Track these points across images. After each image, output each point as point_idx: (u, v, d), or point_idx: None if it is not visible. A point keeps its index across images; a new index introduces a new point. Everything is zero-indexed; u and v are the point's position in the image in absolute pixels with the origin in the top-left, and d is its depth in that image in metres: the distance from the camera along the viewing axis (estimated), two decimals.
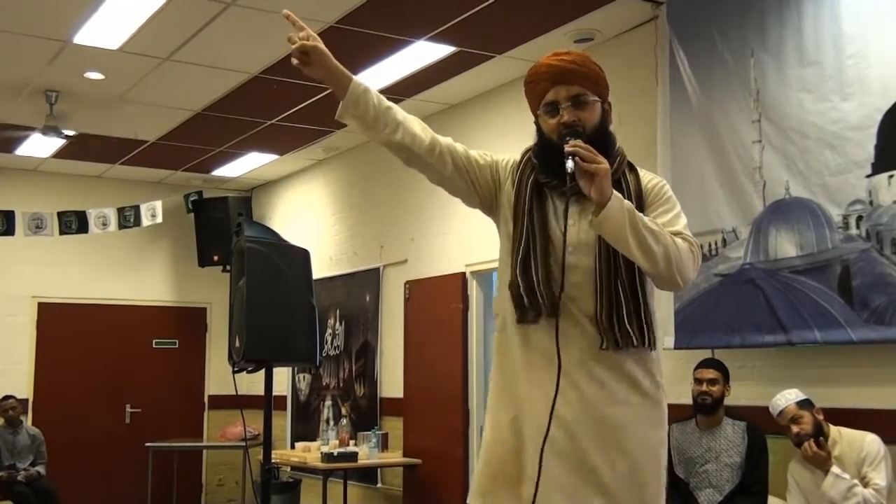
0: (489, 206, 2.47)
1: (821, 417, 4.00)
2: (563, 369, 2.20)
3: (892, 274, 3.86)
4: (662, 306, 4.80)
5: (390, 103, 2.35)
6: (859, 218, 4.01)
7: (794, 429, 3.98)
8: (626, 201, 2.19)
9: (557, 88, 2.30)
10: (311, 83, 6.25)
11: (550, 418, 2.18)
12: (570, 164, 2.15)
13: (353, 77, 2.32)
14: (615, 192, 2.16)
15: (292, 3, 5.12)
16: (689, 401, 4.51)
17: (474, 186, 2.43)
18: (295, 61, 2.31)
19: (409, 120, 2.36)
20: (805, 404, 4.02)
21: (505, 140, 5.90)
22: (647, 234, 2.16)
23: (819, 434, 3.96)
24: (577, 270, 2.29)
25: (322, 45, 2.29)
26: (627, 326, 2.24)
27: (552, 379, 2.20)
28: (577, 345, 2.25)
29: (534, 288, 2.28)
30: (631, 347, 2.25)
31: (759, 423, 4.32)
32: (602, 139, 2.27)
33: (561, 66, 2.31)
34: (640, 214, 2.19)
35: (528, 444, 2.28)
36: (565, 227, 2.27)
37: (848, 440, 3.95)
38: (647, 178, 2.39)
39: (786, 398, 4.06)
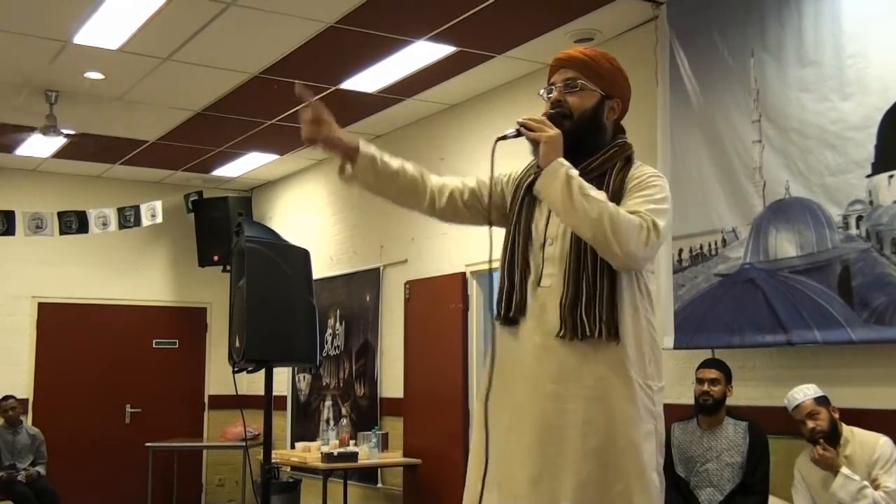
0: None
1: (836, 416, 4.00)
2: (532, 364, 2.29)
3: (892, 274, 3.86)
4: (662, 306, 4.80)
5: (397, 166, 2.43)
6: (859, 218, 4.01)
7: (810, 424, 3.95)
8: (571, 168, 2.21)
9: (559, 72, 2.42)
10: (312, 84, 6.25)
11: (486, 407, 2.28)
12: (510, 130, 2.30)
13: (360, 147, 2.40)
14: (561, 159, 2.22)
15: (292, 4, 5.14)
16: (689, 400, 4.51)
17: (488, 213, 2.48)
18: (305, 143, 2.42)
19: (414, 181, 2.45)
20: (822, 401, 4.00)
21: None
22: (582, 199, 2.17)
23: (834, 431, 3.95)
24: (554, 262, 2.33)
25: (330, 132, 2.38)
26: (584, 316, 2.23)
27: (519, 382, 2.30)
28: (549, 337, 2.27)
29: (514, 288, 2.34)
30: (591, 339, 2.23)
31: (761, 423, 4.32)
32: (589, 127, 2.34)
33: (569, 53, 2.44)
34: (582, 182, 2.20)
35: (490, 443, 2.30)
36: (548, 218, 2.36)
37: (860, 441, 3.93)
38: (639, 171, 2.37)
39: (804, 393, 4.03)
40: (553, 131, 2.25)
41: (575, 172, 2.21)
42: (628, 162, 2.39)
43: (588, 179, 2.25)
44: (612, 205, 2.19)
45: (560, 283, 2.29)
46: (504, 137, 2.32)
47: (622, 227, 2.16)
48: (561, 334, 2.25)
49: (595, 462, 2.22)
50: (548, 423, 2.25)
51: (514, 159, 2.48)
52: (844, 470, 3.82)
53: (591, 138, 2.35)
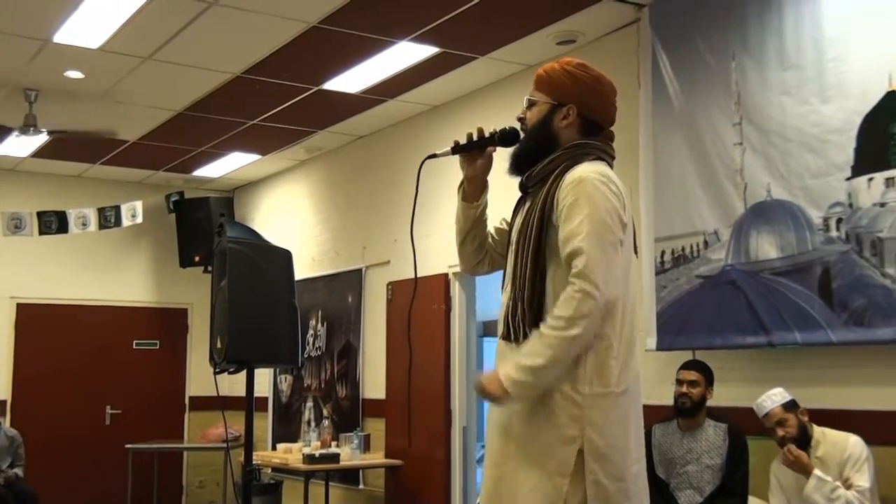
0: None
1: (805, 419, 4.02)
2: (495, 366, 2.42)
3: (872, 276, 3.89)
4: (644, 307, 4.82)
5: (484, 222, 2.69)
6: (839, 220, 4.04)
7: (780, 432, 3.99)
8: (509, 374, 2.25)
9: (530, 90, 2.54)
10: (294, 83, 6.24)
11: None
12: (443, 149, 2.59)
13: (484, 194, 2.65)
14: (499, 384, 2.26)
15: (275, 3, 5.13)
16: (670, 402, 4.52)
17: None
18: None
19: (483, 243, 2.70)
20: (790, 406, 4.03)
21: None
22: (540, 375, 2.23)
23: (804, 436, 3.98)
24: (508, 272, 2.49)
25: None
26: (511, 321, 2.38)
27: None
28: (501, 341, 2.47)
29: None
30: (524, 343, 2.32)
31: (741, 424, 4.34)
32: (539, 138, 2.46)
33: (537, 71, 2.54)
34: (523, 368, 2.24)
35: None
36: (512, 224, 2.54)
37: (831, 441, 3.95)
38: (566, 189, 2.34)
39: (772, 400, 4.06)
40: (490, 388, 2.30)
41: (509, 375, 2.25)
42: (573, 163, 2.39)
43: (531, 187, 2.44)
44: (546, 337, 2.22)
45: (508, 291, 2.44)
46: (434, 156, 2.55)
47: (564, 338, 2.20)
48: (502, 338, 2.43)
49: (512, 462, 2.34)
50: (495, 422, 2.43)
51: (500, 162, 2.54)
52: (817, 472, 3.84)
53: (543, 148, 2.44)
